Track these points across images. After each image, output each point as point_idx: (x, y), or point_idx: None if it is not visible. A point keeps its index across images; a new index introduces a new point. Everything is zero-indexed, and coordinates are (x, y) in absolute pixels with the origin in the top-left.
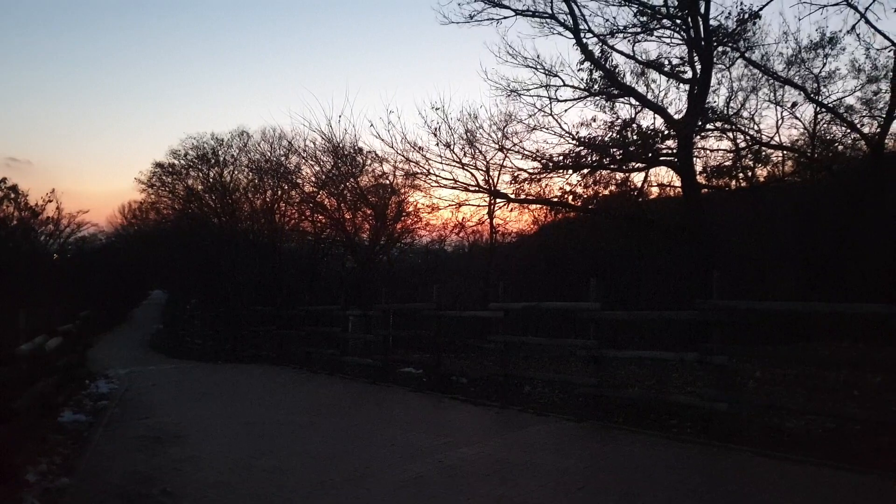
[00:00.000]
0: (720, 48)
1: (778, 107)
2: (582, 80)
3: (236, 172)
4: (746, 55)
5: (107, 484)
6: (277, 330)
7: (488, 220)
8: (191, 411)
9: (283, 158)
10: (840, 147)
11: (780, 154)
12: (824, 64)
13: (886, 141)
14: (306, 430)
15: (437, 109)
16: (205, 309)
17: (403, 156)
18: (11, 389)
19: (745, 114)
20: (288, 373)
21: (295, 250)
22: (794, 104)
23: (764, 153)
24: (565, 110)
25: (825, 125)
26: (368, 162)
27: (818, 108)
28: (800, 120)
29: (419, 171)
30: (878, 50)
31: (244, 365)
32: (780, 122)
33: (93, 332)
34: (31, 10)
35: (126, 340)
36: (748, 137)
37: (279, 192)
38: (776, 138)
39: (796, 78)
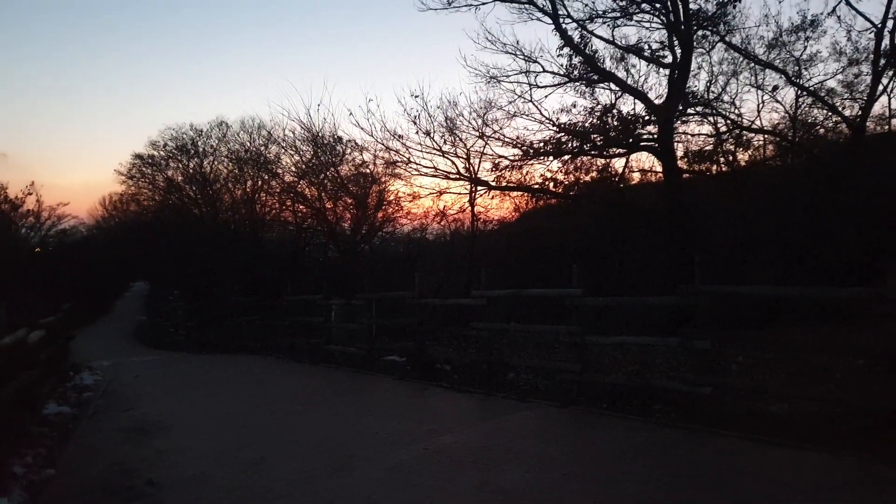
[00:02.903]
0: (700, 32)
1: (759, 90)
2: (562, 65)
3: (216, 163)
4: (727, 39)
5: (91, 475)
6: (261, 320)
7: (469, 208)
8: (175, 402)
9: (262, 148)
10: (821, 130)
11: (762, 138)
12: (805, 47)
13: (868, 123)
14: (290, 419)
15: (416, 97)
16: (187, 300)
17: (383, 144)
18: None
19: (726, 98)
20: (272, 363)
21: (277, 240)
22: (776, 88)
23: (745, 137)
24: (545, 96)
25: (806, 108)
26: (348, 151)
27: (799, 92)
28: (781, 104)
29: (399, 160)
30: (859, 32)
31: (228, 356)
32: (760, 105)
33: (75, 324)
34: (4, 2)
35: (109, 332)
36: (729, 122)
37: (259, 183)
38: (757, 122)
39: (777, 61)
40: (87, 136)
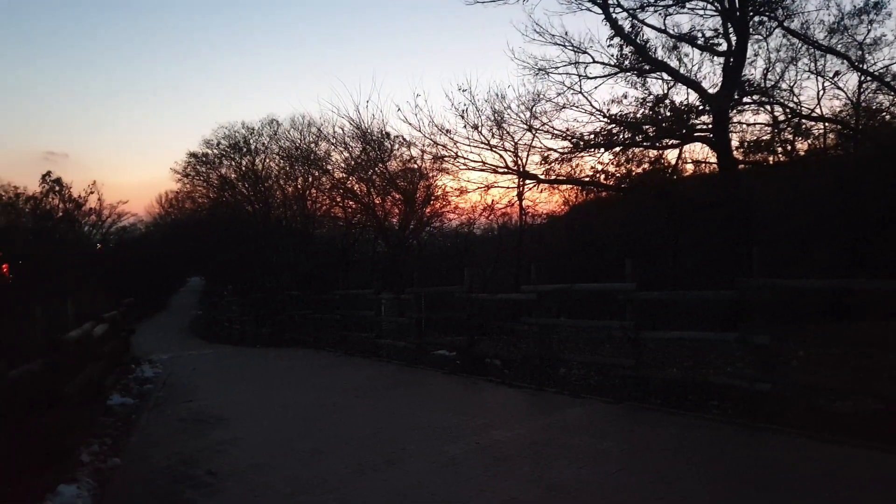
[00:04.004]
0: (756, 18)
1: (819, 77)
2: (612, 56)
3: (268, 160)
4: (785, 24)
5: (154, 464)
6: (313, 314)
7: (517, 202)
8: (231, 394)
9: (312, 145)
10: (887, 117)
11: (822, 126)
12: (869, 30)
13: None
14: (343, 412)
15: (464, 91)
16: (242, 295)
17: (431, 139)
18: (62, 374)
19: (784, 85)
20: (324, 356)
21: (327, 236)
22: (837, 74)
23: (804, 126)
24: (595, 87)
25: (870, 94)
26: (396, 146)
27: (862, 77)
28: (842, 90)
29: (447, 155)
30: None
31: (281, 349)
32: (821, 93)
33: (135, 318)
34: (63, 6)
35: (167, 326)
36: (787, 110)
37: (310, 179)
38: (817, 110)
39: (839, 46)
40: (144, 135)
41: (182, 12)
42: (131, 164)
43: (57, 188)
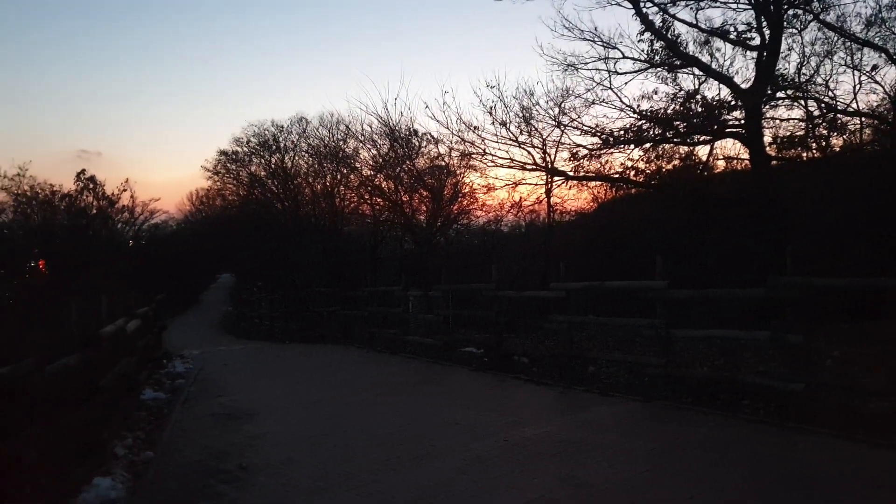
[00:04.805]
0: (791, 11)
1: (855, 71)
2: (642, 51)
3: (297, 158)
4: (820, 17)
5: (187, 458)
6: (341, 311)
7: (546, 199)
8: (261, 390)
9: (341, 143)
10: None
11: (858, 121)
12: None
13: None
14: (372, 408)
15: (492, 88)
16: (271, 291)
17: (459, 136)
18: (97, 368)
19: (819, 80)
20: (353, 352)
21: (356, 233)
22: (874, 67)
23: (839, 121)
24: (625, 83)
25: None
26: (424, 144)
27: None
28: (880, 84)
29: (475, 152)
30: None
31: (311, 345)
32: (857, 87)
33: (167, 314)
34: (96, 6)
35: (197, 322)
36: (822, 105)
37: (338, 177)
38: (853, 105)
39: (876, 39)
40: (175, 133)
41: (212, 11)
42: (163, 161)
43: (91, 186)
